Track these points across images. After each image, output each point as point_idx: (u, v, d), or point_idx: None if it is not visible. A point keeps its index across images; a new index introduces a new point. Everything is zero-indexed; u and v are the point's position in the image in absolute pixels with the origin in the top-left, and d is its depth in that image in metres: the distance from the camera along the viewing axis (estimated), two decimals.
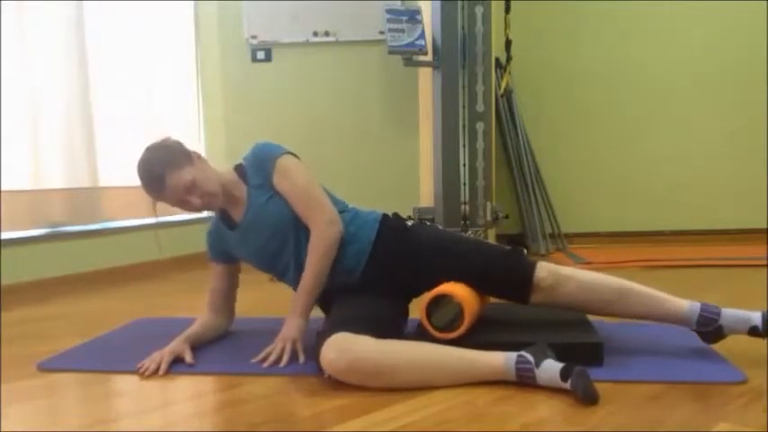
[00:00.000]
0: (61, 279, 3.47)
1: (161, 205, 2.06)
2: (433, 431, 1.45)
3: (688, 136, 4.72)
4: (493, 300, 2.10)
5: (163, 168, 1.96)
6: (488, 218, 3.91)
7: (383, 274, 2.04)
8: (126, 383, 1.89)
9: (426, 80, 4.02)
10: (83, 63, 3.68)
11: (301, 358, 1.93)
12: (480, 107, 3.86)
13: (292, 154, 2.11)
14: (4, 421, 1.60)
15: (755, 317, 1.81)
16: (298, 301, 2.01)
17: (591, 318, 2.07)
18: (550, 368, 1.63)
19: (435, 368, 1.72)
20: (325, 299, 2.06)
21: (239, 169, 2.13)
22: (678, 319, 1.88)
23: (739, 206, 4.65)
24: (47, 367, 2.03)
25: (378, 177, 4.49)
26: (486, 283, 1.99)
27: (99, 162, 3.76)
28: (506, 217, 4.15)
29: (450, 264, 1.99)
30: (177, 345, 2.02)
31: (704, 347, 1.94)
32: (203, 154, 4.42)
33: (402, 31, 3.82)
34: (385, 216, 2.14)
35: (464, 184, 3.86)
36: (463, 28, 3.81)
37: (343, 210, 2.12)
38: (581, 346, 1.83)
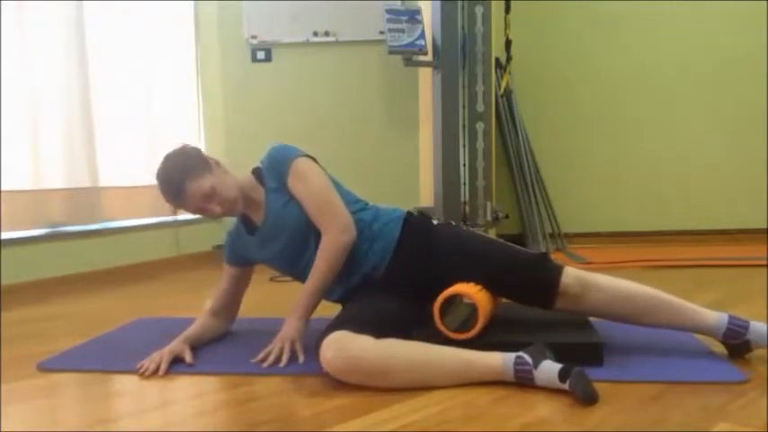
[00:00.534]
0: (61, 279, 3.47)
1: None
2: (433, 431, 1.45)
3: (688, 136, 4.72)
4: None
5: (182, 176, 1.95)
6: (488, 218, 3.91)
7: (406, 273, 2.02)
8: (126, 383, 1.89)
9: (426, 80, 4.02)
10: (83, 63, 3.68)
11: (301, 358, 1.92)
12: (480, 107, 3.87)
13: (309, 156, 2.10)
14: (4, 421, 1.60)
15: None
16: (299, 303, 2.00)
17: (590, 318, 2.07)
18: (549, 369, 1.63)
19: (433, 369, 1.72)
20: (347, 296, 2.05)
21: (257, 172, 2.12)
22: (705, 331, 1.87)
23: (739, 206, 4.65)
24: (47, 367, 2.03)
25: (378, 177, 4.49)
26: (510, 287, 1.98)
27: (99, 162, 3.76)
28: (506, 217, 4.15)
29: (473, 265, 1.97)
30: (177, 345, 2.02)
31: (704, 347, 1.94)
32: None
33: (402, 31, 3.82)
34: (409, 214, 2.12)
35: (464, 184, 3.86)
36: (463, 28, 3.81)
37: (363, 208, 2.11)
38: (581, 347, 1.83)
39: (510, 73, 4.53)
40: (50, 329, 2.63)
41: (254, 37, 4.50)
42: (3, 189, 3.27)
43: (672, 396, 1.61)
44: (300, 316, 1.99)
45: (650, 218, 4.75)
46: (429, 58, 3.87)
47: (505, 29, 4.41)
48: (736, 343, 1.83)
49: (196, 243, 4.13)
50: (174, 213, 2.08)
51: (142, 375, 1.90)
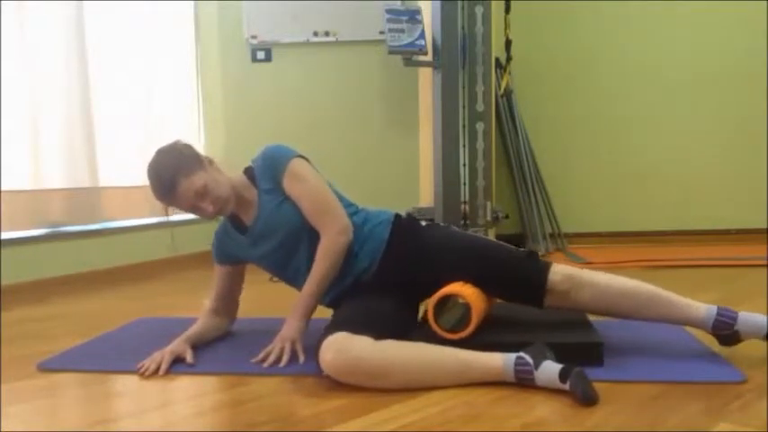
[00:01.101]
0: (61, 279, 3.47)
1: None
2: (433, 431, 1.45)
3: (688, 136, 4.72)
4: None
5: (174, 174, 1.94)
6: (488, 218, 3.91)
7: (396, 274, 2.03)
8: (126, 383, 1.89)
9: (426, 80, 4.02)
10: (83, 63, 3.68)
11: (301, 358, 1.92)
12: (480, 107, 3.87)
13: (303, 157, 2.09)
14: (4, 421, 1.60)
15: None
16: (299, 303, 2.00)
17: (591, 317, 2.07)
18: (549, 369, 1.63)
19: (433, 369, 1.72)
20: (338, 300, 2.05)
21: (249, 172, 2.11)
22: (695, 323, 1.87)
23: (739, 206, 4.65)
24: (47, 367, 2.03)
25: (378, 177, 4.49)
26: (499, 286, 1.98)
27: (99, 162, 3.76)
28: (506, 217, 4.15)
29: (462, 265, 1.98)
30: (178, 345, 2.02)
31: (704, 347, 1.94)
32: (203, 154, 4.44)
33: (402, 31, 3.82)
34: (398, 216, 2.13)
35: (464, 184, 3.86)
36: (463, 28, 3.81)
37: (354, 212, 2.11)
38: (581, 347, 1.83)
39: (510, 73, 4.53)
40: (50, 329, 2.63)
41: (254, 37, 4.50)
42: (3, 189, 3.26)
43: (672, 396, 1.61)
44: (301, 316, 1.99)
45: (650, 218, 4.75)
46: (429, 58, 3.87)
47: (505, 29, 4.40)
48: (726, 334, 1.83)
49: (196, 243, 4.12)
50: (166, 213, 2.06)
51: (142, 375, 1.90)
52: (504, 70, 4.50)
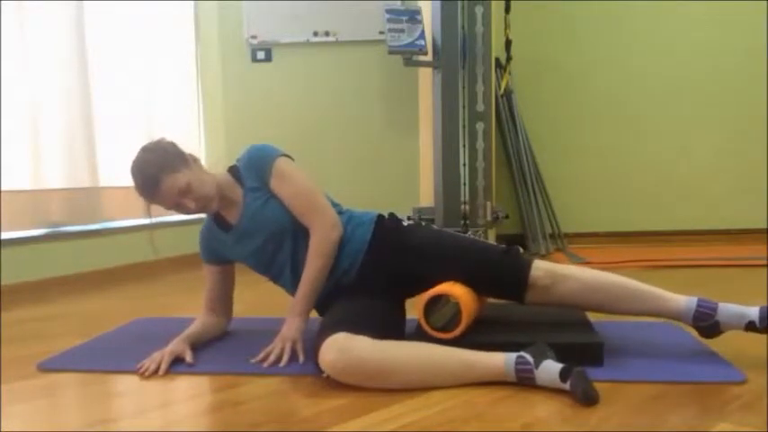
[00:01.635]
0: (61, 279, 3.47)
1: (158, 206, 2.06)
2: (433, 431, 1.45)
3: (688, 136, 4.73)
4: (492, 300, 2.10)
5: (157, 171, 1.94)
6: (488, 218, 3.91)
7: (378, 275, 2.04)
8: (126, 383, 1.89)
9: (426, 80, 4.02)
10: (83, 63, 3.68)
11: (301, 358, 1.93)
12: (480, 107, 3.87)
13: (288, 156, 2.10)
14: (4, 421, 1.60)
15: (752, 312, 1.80)
16: (297, 302, 2.01)
17: (591, 318, 2.07)
18: (550, 369, 1.63)
19: (435, 369, 1.72)
20: (322, 301, 2.06)
21: (233, 171, 2.12)
22: (675, 316, 1.87)
23: (739, 206, 4.65)
24: (47, 367, 2.03)
25: (378, 177, 4.49)
26: (481, 282, 1.98)
27: (99, 162, 3.76)
28: (506, 217, 4.15)
29: (444, 263, 1.99)
30: (177, 345, 2.02)
31: (704, 348, 1.94)
32: (203, 154, 4.45)
33: (402, 31, 3.82)
34: (380, 217, 2.13)
35: (464, 184, 3.86)
36: (463, 28, 3.81)
37: (338, 212, 2.11)
38: (581, 347, 1.83)
39: (510, 73, 4.53)
40: (50, 329, 2.63)
41: (254, 37, 4.50)
42: (3, 189, 3.27)
43: (672, 396, 1.61)
44: (300, 314, 2.00)
45: (650, 218, 4.75)
46: (429, 58, 3.87)
47: (505, 29, 4.41)
48: (706, 325, 1.83)
49: (195, 243, 4.12)
50: (149, 211, 2.06)
51: (142, 375, 1.90)
52: (504, 70, 4.50)
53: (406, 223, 2.15)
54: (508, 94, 4.59)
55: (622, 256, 4.04)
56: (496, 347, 1.75)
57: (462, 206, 3.86)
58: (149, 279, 3.81)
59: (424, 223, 2.28)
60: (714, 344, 1.91)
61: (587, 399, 1.54)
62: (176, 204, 1.99)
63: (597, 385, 1.58)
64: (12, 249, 3.28)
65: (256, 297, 2.80)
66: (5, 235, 3.26)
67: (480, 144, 3.87)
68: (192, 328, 2.14)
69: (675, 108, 4.73)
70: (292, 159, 2.11)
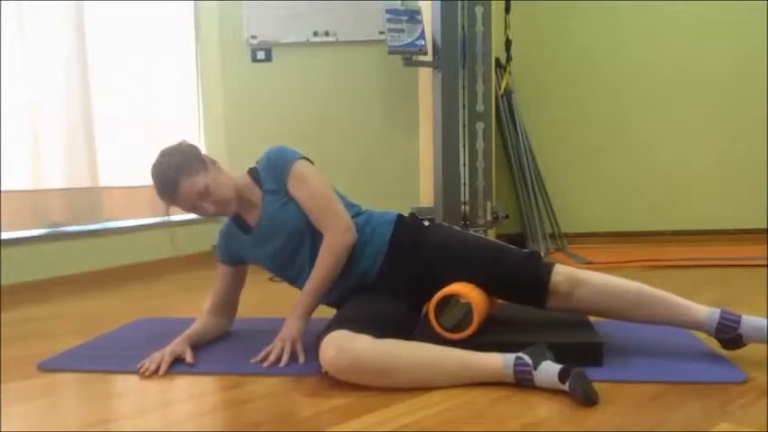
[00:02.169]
0: (61, 279, 3.47)
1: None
2: (433, 431, 1.45)
3: (688, 136, 4.72)
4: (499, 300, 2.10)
5: (177, 174, 1.95)
6: (488, 218, 3.91)
7: (398, 274, 2.03)
8: (126, 383, 1.89)
9: (426, 80, 4.02)
10: (83, 63, 3.68)
11: (301, 358, 1.93)
12: (480, 107, 3.86)
13: (307, 159, 2.11)
14: (4, 421, 1.60)
15: None
16: (300, 302, 2.01)
17: (591, 317, 2.07)
18: (548, 370, 1.63)
19: (434, 369, 1.72)
20: (341, 300, 2.06)
21: (253, 173, 2.13)
22: (697, 326, 1.86)
23: (739, 206, 4.65)
24: (47, 367, 2.04)
25: (378, 177, 4.49)
26: (502, 286, 1.98)
27: (99, 162, 3.76)
28: (506, 217, 4.15)
29: (465, 265, 1.98)
30: (178, 345, 2.03)
31: (705, 347, 1.94)
32: (207, 155, 4.45)
33: (402, 31, 3.82)
34: (400, 216, 2.14)
35: (464, 184, 3.86)
36: (463, 28, 3.81)
37: (357, 213, 2.12)
38: (581, 347, 1.83)
39: (510, 73, 4.53)
40: (50, 329, 2.63)
41: (254, 37, 4.50)
42: (3, 189, 3.27)
43: (672, 396, 1.61)
44: (301, 315, 2.00)
45: (650, 218, 4.75)
46: (429, 58, 3.87)
47: (505, 29, 4.40)
48: (729, 338, 1.82)
49: (195, 243, 4.13)
50: (167, 212, 2.07)
51: (142, 375, 1.90)
52: (504, 70, 4.50)
53: (426, 223, 2.15)
54: (508, 94, 4.59)
55: (622, 256, 4.04)
56: (496, 347, 1.75)
57: (462, 206, 3.86)
58: (150, 279, 3.81)
59: (445, 224, 2.28)
60: (714, 344, 1.91)
61: (587, 399, 1.54)
62: (195, 207, 2.00)
63: (597, 385, 1.58)
64: (12, 249, 3.28)
65: (257, 297, 2.80)
66: (5, 235, 3.26)
67: (480, 144, 3.87)
68: (192, 329, 2.14)
69: (676, 108, 4.72)
70: (312, 163, 2.12)
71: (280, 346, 1.96)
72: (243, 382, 1.83)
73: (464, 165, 3.85)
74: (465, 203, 3.86)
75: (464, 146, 3.84)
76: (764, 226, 4.55)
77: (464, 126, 3.84)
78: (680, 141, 4.73)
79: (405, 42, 3.81)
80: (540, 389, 1.64)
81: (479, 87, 3.85)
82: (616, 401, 1.58)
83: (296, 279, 2.12)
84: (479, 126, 3.86)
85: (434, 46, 3.85)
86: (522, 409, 1.55)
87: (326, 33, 4.47)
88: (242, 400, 1.70)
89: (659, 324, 1.91)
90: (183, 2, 4.38)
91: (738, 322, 1.81)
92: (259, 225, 2.08)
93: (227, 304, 2.27)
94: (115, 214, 3.88)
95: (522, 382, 1.66)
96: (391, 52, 3.82)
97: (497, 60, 4.38)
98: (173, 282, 3.75)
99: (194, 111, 4.48)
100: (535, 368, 1.65)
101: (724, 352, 1.87)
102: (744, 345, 1.83)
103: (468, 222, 3.85)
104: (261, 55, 4.52)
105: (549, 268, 1.92)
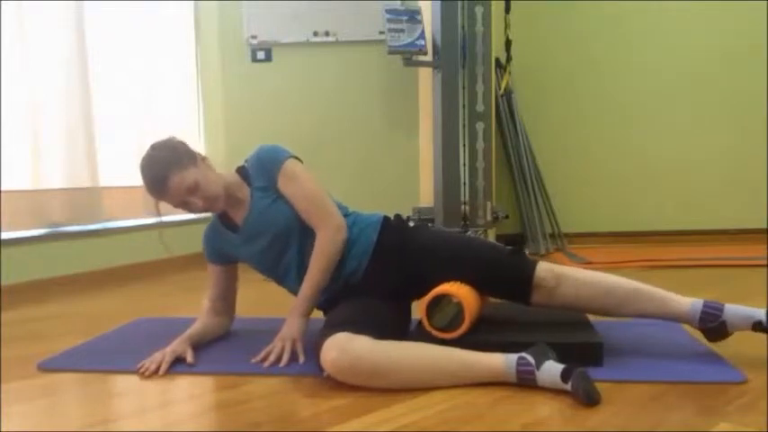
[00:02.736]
0: (61, 279, 3.47)
1: (163, 204, 2.06)
2: (433, 431, 1.45)
3: (688, 136, 4.72)
4: (493, 300, 2.10)
5: (166, 169, 1.95)
6: (488, 218, 3.91)
7: (385, 276, 2.04)
8: (126, 383, 1.89)
9: (426, 80, 4.02)
10: (83, 63, 3.68)
11: (301, 358, 1.93)
12: (480, 107, 3.86)
13: (296, 158, 2.11)
14: (4, 421, 1.61)
15: (759, 312, 1.80)
16: (299, 302, 2.01)
17: (591, 318, 2.07)
18: (551, 370, 1.63)
19: (436, 369, 1.72)
20: (328, 303, 2.06)
21: (241, 171, 2.13)
22: (681, 317, 1.87)
23: (739, 206, 4.65)
24: (47, 367, 2.04)
25: (378, 177, 4.49)
26: (487, 283, 1.98)
27: (99, 162, 3.76)
28: (506, 217, 4.15)
29: (450, 264, 1.99)
30: (178, 345, 2.03)
31: (704, 348, 1.94)
32: (203, 154, 4.44)
33: (402, 31, 3.82)
34: (386, 218, 2.14)
35: (464, 184, 3.86)
36: (463, 28, 3.81)
37: (345, 214, 2.12)
38: (581, 347, 1.83)
39: (510, 73, 4.53)
40: (50, 329, 2.63)
41: (254, 37, 4.50)
42: (3, 189, 3.26)
43: (672, 396, 1.61)
44: (300, 314, 2.00)
45: (650, 218, 4.75)
46: (429, 58, 3.87)
47: (505, 29, 4.40)
48: (713, 326, 1.83)
49: (196, 243, 4.12)
50: (158, 210, 2.07)
51: (142, 375, 1.90)
52: (504, 70, 4.50)
53: (411, 224, 2.17)
54: (508, 94, 4.59)
55: (622, 256, 4.04)
56: (497, 347, 1.75)
57: (462, 206, 3.86)
58: (150, 279, 3.81)
59: (430, 225, 2.29)
60: (715, 344, 1.91)
61: (590, 399, 1.54)
62: (184, 202, 2.00)
63: (597, 385, 1.58)
64: (12, 249, 3.28)
65: (257, 297, 2.80)
66: (5, 235, 3.26)
67: (480, 144, 3.87)
68: (193, 329, 2.14)
69: (676, 108, 4.73)
70: (301, 161, 2.12)
71: (280, 345, 1.96)
72: (243, 382, 1.83)
73: (464, 165, 3.85)
74: (465, 203, 3.86)
75: (464, 146, 3.84)
76: (764, 226, 4.55)
77: (464, 126, 3.84)
78: (680, 141, 4.73)
79: (405, 42, 3.81)
80: (540, 389, 1.64)
81: (479, 87, 3.85)
82: (616, 401, 1.58)
83: (283, 278, 2.12)
84: (479, 126, 3.86)
85: (434, 46, 3.85)
86: (522, 410, 1.55)
87: (326, 33, 4.47)
88: (242, 400, 1.70)
89: (644, 317, 1.92)
90: (183, 2, 4.38)
91: (721, 310, 1.82)
92: (247, 222, 2.08)
93: (224, 303, 2.27)
94: (115, 214, 3.88)
95: (524, 381, 1.66)
96: (391, 52, 3.82)
97: (497, 60, 4.38)
98: (173, 282, 3.75)
99: (194, 111, 4.48)
100: (538, 368, 1.65)
101: (724, 352, 1.87)
102: (729, 333, 1.83)
103: (468, 222, 3.85)
104: (261, 55, 4.52)
105: (533, 264, 1.94)
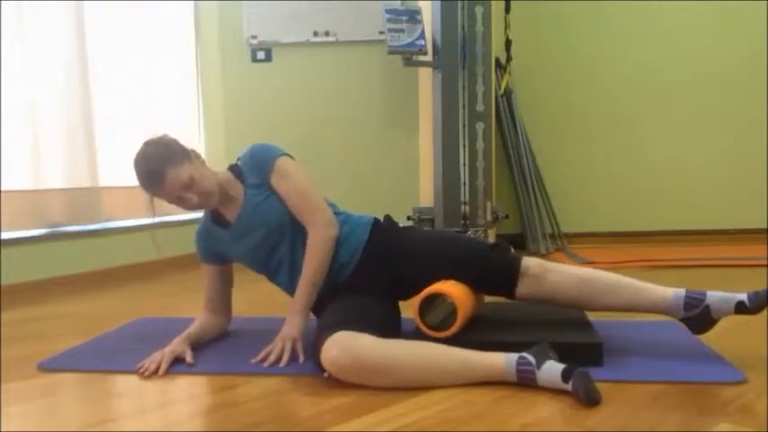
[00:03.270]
0: (61, 279, 3.47)
1: (160, 204, 2.06)
2: (433, 431, 1.45)
3: (688, 136, 4.72)
4: (492, 299, 2.10)
5: (161, 164, 1.96)
6: (488, 218, 3.91)
7: (374, 275, 2.05)
8: (126, 383, 1.89)
9: (426, 80, 4.02)
10: (83, 63, 3.68)
11: (301, 358, 1.93)
12: (480, 107, 3.86)
13: (289, 156, 2.12)
14: (4, 421, 1.61)
15: (741, 295, 1.81)
16: (297, 300, 2.02)
17: (590, 317, 2.07)
18: (552, 370, 1.63)
19: (436, 368, 1.72)
20: (318, 301, 2.06)
21: (234, 169, 2.14)
22: (666, 307, 1.87)
23: (739, 206, 4.65)
24: (47, 367, 2.04)
25: (378, 177, 4.49)
26: (472, 276, 1.99)
27: (99, 162, 3.76)
28: (506, 217, 4.15)
29: (437, 261, 2.01)
30: (177, 345, 2.03)
31: (704, 348, 1.94)
32: (203, 154, 4.44)
33: (402, 31, 3.82)
34: (377, 220, 2.18)
35: (464, 184, 3.86)
36: (463, 28, 3.81)
37: (336, 212, 2.13)
38: (581, 347, 1.83)
39: (510, 73, 4.53)
40: (50, 329, 2.63)
41: (254, 37, 4.50)
42: (3, 189, 3.26)
43: (671, 396, 1.61)
44: (300, 312, 2.01)
45: (650, 218, 4.75)
46: (429, 58, 3.87)
47: (505, 29, 4.40)
48: (698, 313, 1.83)
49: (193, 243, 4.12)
50: (152, 207, 2.07)
51: (142, 375, 1.90)
52: (504, 70, 4.50)
53: (401, 225, 2.20)
54: (508, 94, 4.59)
55: (622, 256, 4.04)
56: (497, 347, 1.75)
57: (462, 206, 3.86)
58: (150, 279, 3.81)
59: (426, 228, 2.33)
60: (714, 344, 1.91)
61: (590, 399, 1.54)
62: (179, 198, 2.00)
63: (597, 385, 1.58)
64: (12, 249, 3.28)
65: (255, 296, 2.80)
66: (5, 235, 3.26)
67: (480, 144, 3.87)
68: (192, 329, 2.14)
69: (675, 108, 4.73)
70: (293, 159, 2.13)
71: (280, 345, 1.96)
72: (243, 382, 1.83)
73: (464, 165, 3.85)
74: (465, 203, 3.86)
75: (464, 146, 3.84)
76: (764, 226, 4.55)
77: (464, 126, 3.84)
78: (680, 141, 4.73)
79: (405, 42, 3.81)
80: (540, 389, 1.64)
81: (479, 87, 3.85)
82: (616, 401, 1.58)
83: (275, 275, 2.13)
84: (479, 126, 3.86)
85: (434, 46, 3.85)
86: (522, 409, 1.55)
87: (326, 33, 4.47)
88: (242, 400, 1.70)
89: (629, 311, 1.92)
90: (183, 2, 4.38)
91: (704, 294, 1.84)
92: (240, 219, 2.09)
93: (220, 303, 2.27)
94: (115, 214, 3.88)
95: (524, 381, 1.66)
96: (391, 52, 3.82)
97: (497, 60, 4.38)
98: (173, 282, 3.75)
99: (194, 111, 4.48)
100: (538, 368, 1.65)
101: (724, 352, 1.87)
102: (714, 320, 1.84)
103: (468, 222, 3.85)
104: (261, 55, 4.52)
105: (518, 256, 1.99)
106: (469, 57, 3.83)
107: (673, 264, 3.74)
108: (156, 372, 1.91)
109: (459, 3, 3.79)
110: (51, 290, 3.38)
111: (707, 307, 1.82)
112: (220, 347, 2.17)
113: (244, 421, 1.56)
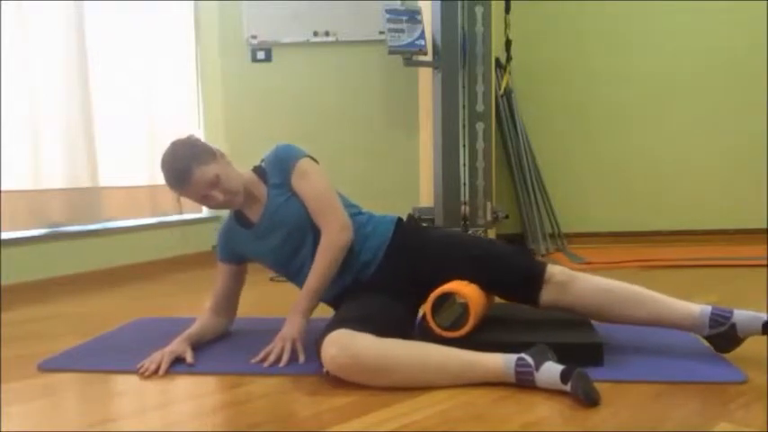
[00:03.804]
0: (61, 279, 3.47)
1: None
2: (433, 431, 1.45)
3: (688, 136, 4.73)
4: (497, 300, 2.10)
5: (189, 163, 1.98)
6: (488, 218, 3.91)
7: (396, 275, 2.05)
8: (126, 383, 1.89)
9: (426, 80, 4.02)
10: (83, 63, 3.69)
11: (301, 358, 1.93)
12: (480, 107, 3.86)
13: (312, 158, 2.14)
14: (4, 421, 1.60)
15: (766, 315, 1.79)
16: (300, 301, 2.02)
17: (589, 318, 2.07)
18: (550, 371, 1.63)
19: (435, 368, 1.72)
20: (336, 298, 2.08)
21: (258, 170, 2.16)
22: (691, 324, 1.86)
23: (739, 206, 4.65)
24: (47, 367, 2.04)
25: (378, 177, 4.49)
26: (497, 281, 2.00)
27: (99, 162, 3.76)
28: (506, 217, 4.15)
29: (461, 263, 2.01)
30: (178, 345, 2.03)
31: (705, 347, 1.94)
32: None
33: (402, 31, 3.82)
34: (400, 219, 2.18)
35: (464, 184, 3.86)
36: (463, 28, 3.81)
37: (358, 213, 2.15)
38: (581, 347, 1.83)
39: (510, 73, 4.53)
40: (50, 329, 2.63)
41: (254, 37, 4.50)
42: (3, 189, 3.27)
43: (672, 396, 1.61)
44: (301, 313, 2.00)
45: (650, 218, 4.75)
46: (429, 58, 3.87)
47: (505, 29, 4.40)
48: (723, 331, 1.81)
49: (196, 243, 4.13)
50: (179, 204, 2.10)
51: (142, 375, 1.90)
52: (504, 70, 4.50)
53: (424, 225, 2.20)
54: (508, 94, 4.59)
55: (622, 256, 4.03)
56: (497, 347, 1.75)
57: (462, 206, 3.86)
58: (150, 279, 3.80)
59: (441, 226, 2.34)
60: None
61: (589, 399, 1.54)
62: (205, 196, 2.02)
63: (597, 385, 1.58)
64: (12, 249, 3.28)
65: (257, 297, 2.80)
66: (5, 235, 3.26)
67: (480, 144, 3.87)
68: (193, 329, 2.14)
69: (675, 108, 4.73)
70: (317, 162, 2.15)
71: (280, 345, 1.96)
72: (243, 381, 1.83)
73: (464, 165, 3.85)
74: (465, 203, 3.86)
75: (464, 146, 3.84)
76: (764, 226, 4.55)
77: (464, 126, 3.84)
78: (680, 141, 4.73)
79: (405, 42, 3.81)
80: (540, 389, 1.64)
81: (479, 87, 3.85)
82: (616, 401, 1.58)
83: (296, 276, 2.13)
84: (479, 126, 3.87)
85: (434, 46, 3.85)
86: (522, 410, 1.55)
87: (326, 33, 4.47)
88: (242, 399, 1.70)
89: (653, 324, 1.91)
90: (183, 2, 4.38)
91: (731, 312, 1.82)
92: (263, 218, 2.10)
93: (227, 303, 2.27)
94: (115, 214, 3.88)
95: (523, 382, 1.66)
96: (391, 52, 3.82)
97: (497, 60, 4.38)
98: (173, 282, 3.75)
99: (194, 111, 4.48)
100: (537, 369, 1.65)
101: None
102: (740, 339, 1.82)
103: (467, 222, 3.85)
104: (261, 55, 4.52)
105: (543, 262, 1.98)
106: (469, 57, 3.83)
107: (672, 264, 3.74)
108: (156, 372, 1.91)
109: (459, 3, 3.79)
110: (51, 290, 3.38)
111: (733, 325, 1.80)
112: (221, 347, 2.17)
113: (244, 421, 1.56)
